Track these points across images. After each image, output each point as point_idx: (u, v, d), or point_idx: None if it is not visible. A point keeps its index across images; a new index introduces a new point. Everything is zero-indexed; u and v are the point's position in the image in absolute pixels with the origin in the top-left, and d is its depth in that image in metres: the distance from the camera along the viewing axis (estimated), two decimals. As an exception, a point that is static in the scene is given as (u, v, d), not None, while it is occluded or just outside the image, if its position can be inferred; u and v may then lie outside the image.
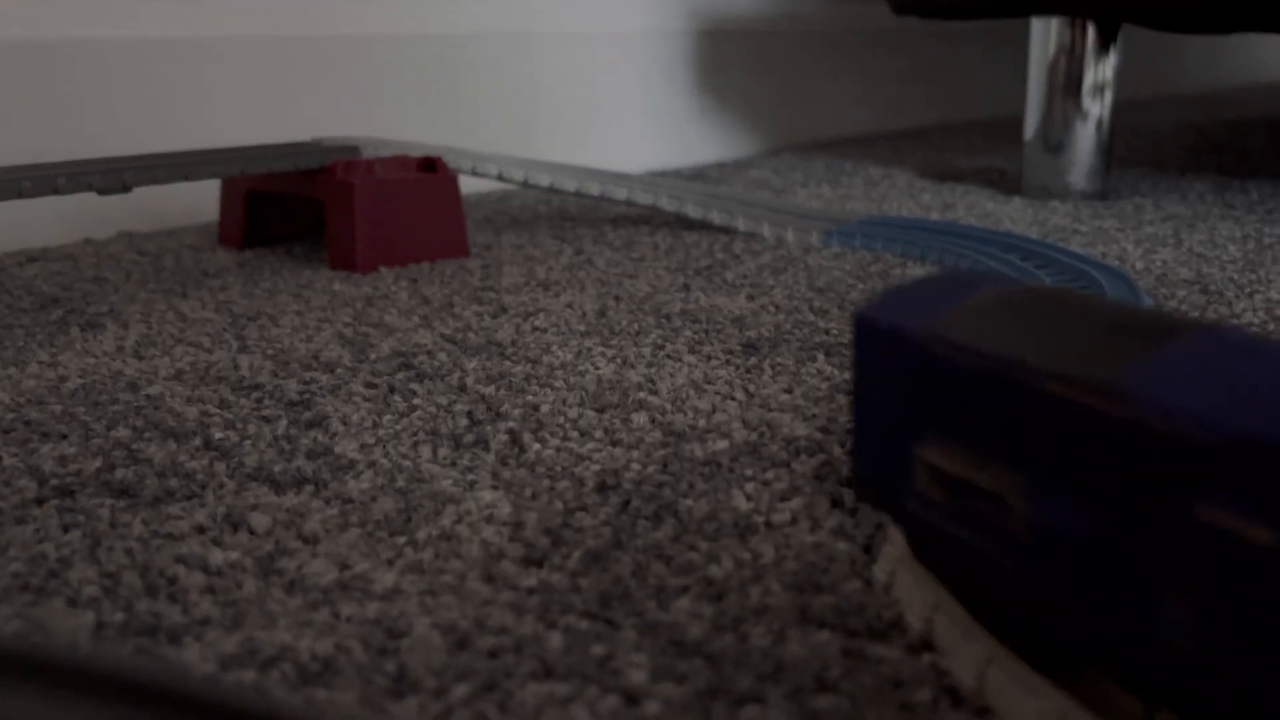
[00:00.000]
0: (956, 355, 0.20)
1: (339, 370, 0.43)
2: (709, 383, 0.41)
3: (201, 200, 0.74)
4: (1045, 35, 0.81)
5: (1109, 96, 0.82)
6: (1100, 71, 0.81)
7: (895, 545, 0.26)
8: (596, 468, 0.34)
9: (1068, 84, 0.81)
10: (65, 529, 0.30)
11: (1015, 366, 0.18)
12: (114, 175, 0.52)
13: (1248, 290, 0.54)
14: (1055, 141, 0.82)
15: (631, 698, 0.22)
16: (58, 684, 0.14)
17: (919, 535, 0.24)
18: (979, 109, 1.45)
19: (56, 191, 0.50)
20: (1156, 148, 1.11)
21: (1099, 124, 0.82)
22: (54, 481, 0.33)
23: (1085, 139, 0.81)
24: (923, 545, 0.24)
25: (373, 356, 0.45)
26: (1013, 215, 0.76)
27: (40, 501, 0.32)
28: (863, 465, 0.24)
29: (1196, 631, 0.16)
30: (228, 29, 0.76)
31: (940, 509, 0.21)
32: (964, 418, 0.20)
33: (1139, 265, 0.60)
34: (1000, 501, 0.19)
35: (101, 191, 0.51)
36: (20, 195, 0.48)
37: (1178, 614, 0.16)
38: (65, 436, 0.37)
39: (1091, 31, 0.80)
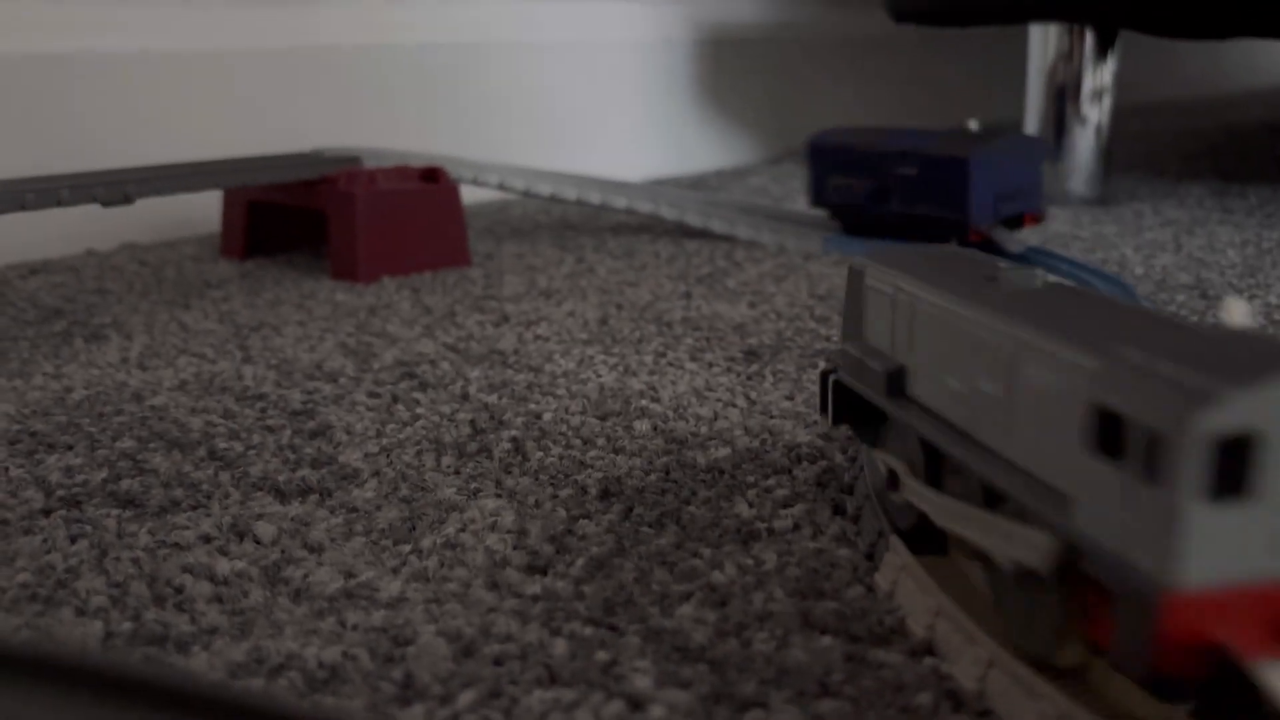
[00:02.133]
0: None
1: (342, 380, 0.43)
2: (711, 390, 0.41)
3: (203, 211, 0.74)
4: (1044, 41, 0.82)
5: (1108, 102, 0.82)
6: (1099, 77, 0.81)
7: (898, 552, 0.26)
8: (599, 475, 0.34)
9: (1066, 90, 0.81)
10: (72, 539, 0.30)
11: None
12: (117, 187, 0.52)
13: (1247, 294, 0.54)
14: (1054, 148, 0.82)
15: (636, 703, 0.23)
16: (64, 685, 0.15)
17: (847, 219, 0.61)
18: (978, 114, 1.45)
19: (60, 203, 0.50)
20: (1155, 153, 1.12)
21: (1098, 129, 0.82)
22: (60, 492, 0.33)
23: (1084, 145, 0.82)
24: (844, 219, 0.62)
25: (376, 366, 0.45)
26: (1012, 221, 0.76)
27: (47, 512, 0.32)
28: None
29: None
30: (229, 41, 0.76)
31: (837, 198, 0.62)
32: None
33: (1139, 270, 0.60)
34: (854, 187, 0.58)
35: (105, 203, 0.52)
36: (24, 207, 0.49)
37: None
38: (71, 447, 0.37)
39: (1090, 38, 0.80)
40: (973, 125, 0.65)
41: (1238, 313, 0.23)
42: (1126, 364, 0.18)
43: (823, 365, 0.31)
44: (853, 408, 0.29)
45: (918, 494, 0.26)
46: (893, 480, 0.27)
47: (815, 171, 0.66)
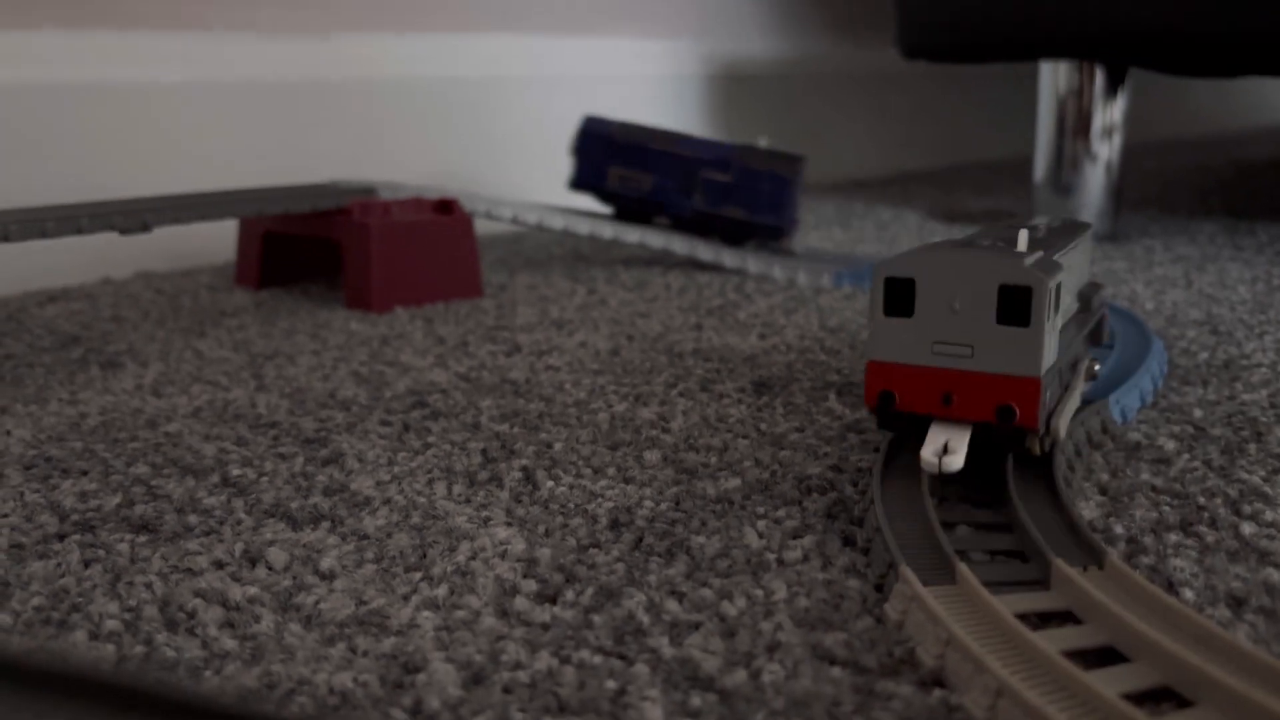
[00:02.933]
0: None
1: (355, 408, 0.43)
2: (721, 421, 0.42)
3: (219, 240, 0.75)
4: (1054, 78, 0.82)
5: (1118, 139, 0.82)
6: (1109, 114, 0.82)
7: (908, 583, 0.26)
8: (609, 504, 0.34)
9: (1077, 126, 0.82)
10: (86, 564, 0.31)
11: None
12: (135, 216, 0.53)
13: (1257, 330, 0.54)
14: (1065, 183, 0.82)
15: (645, 733, 0.23)
16: (65, 694, 0.15)
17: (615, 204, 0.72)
18: (988, 150, 1.46)
19: (80, 231, 0.50)
20: (1166, 189, 1.12)
21: (1108, 166, 0.82)
22: (75, 517, 0.33)
23: (1095, 181, 0.82)
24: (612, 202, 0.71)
25: (388, 395, 0.45)
26: (1022, 256, 0.76)
27: (62, 537, 0.32)
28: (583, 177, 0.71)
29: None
30: (247, 72, 0.77)
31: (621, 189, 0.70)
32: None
33: (1149, 306, 0.60)
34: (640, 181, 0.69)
35: (123, 231, 0.52)
36: (44, 235, 0.49)
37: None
38: (85, 473, 0.37)
39: (1100, 75, 0.81)
40: (762, 143, 0.72)
41: (1021, 240, 0.34)
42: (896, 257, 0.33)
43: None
44: None
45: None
46: None
47: (589, 158, 0.71)
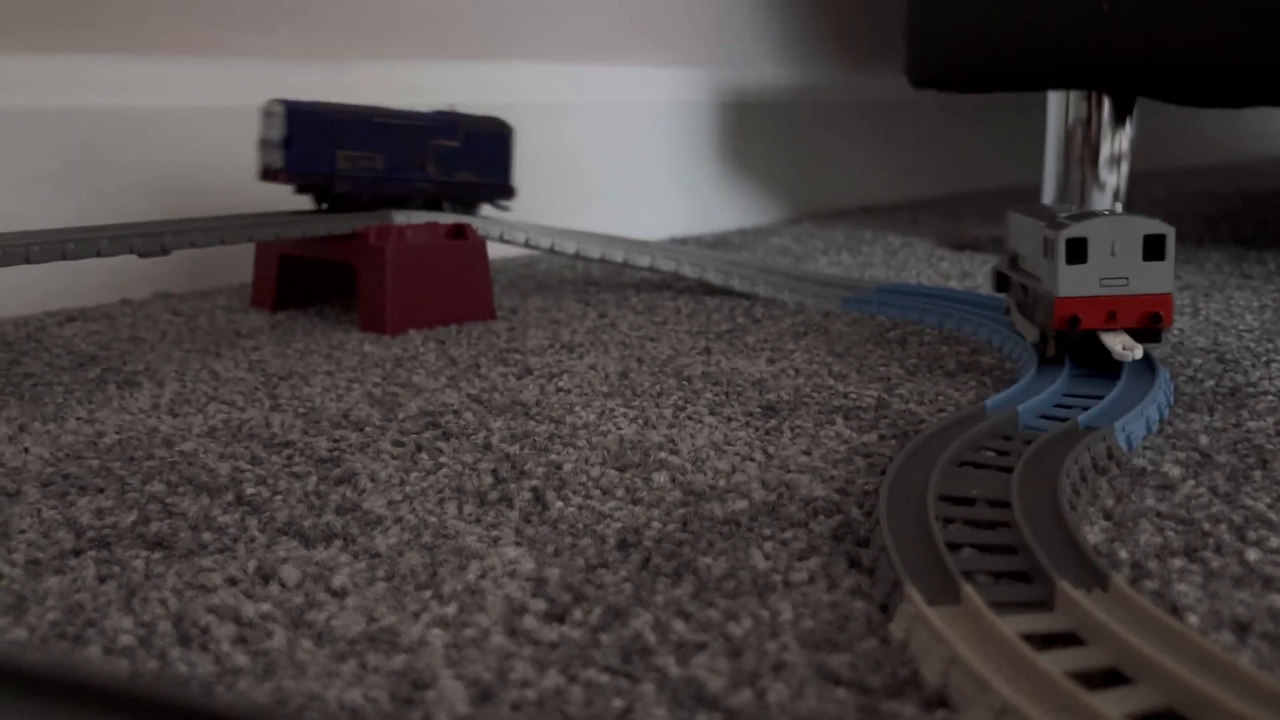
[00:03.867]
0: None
1: (368, 429, 0.44)
2: (729, 444, 0.42)
3: (236, 263, 0.76)
4: (1062, 108, 0.83)
5: (1125, 167, 0.83)
6: (1117, 143, 0.82)
7: (913, 602, 0.27)
8: (618, 525, 0.34)
9: (1084, 155, 0.82)
10: (101, 580, 0.31)
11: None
12: (154, 239, 0.54)
13: (1264, 359, 0.54)
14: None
15: (651, 750, 0.23)
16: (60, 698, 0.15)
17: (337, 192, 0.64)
18: (996, 179, 1.47)
19: (99, 254, 0.51)
20: (1173, 218, 1.12)
21: (1116, 195, 0.83)
22: (91, 534, 0.34)
23: (1102, 209, 0.83)
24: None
25: (401, 416, 0.46)
26: (1031, 283, 0.76)
27: (78, 553, 0.33)
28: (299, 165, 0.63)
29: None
30: (262, 97, 0.78)
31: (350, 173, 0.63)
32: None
33: (1156, 333, 0.60)
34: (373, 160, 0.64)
35: (142, 254, 0.53)
36: (64, 257, 0.50)
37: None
38: (102, 490, 0.38)
39: (1107, 104, 0.82)
40: (451, 107, 0.71)
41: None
42: (1054, 225, 0.47)
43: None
44: (1000, 281, 0.57)
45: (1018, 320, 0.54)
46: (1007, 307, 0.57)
47: (305, 144, 0.63)
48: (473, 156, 0.69)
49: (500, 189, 0.71)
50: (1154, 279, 0.47)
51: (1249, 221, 1.09)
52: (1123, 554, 0.32)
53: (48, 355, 0.56)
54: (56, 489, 0.38)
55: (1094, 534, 0.34)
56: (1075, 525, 0.32)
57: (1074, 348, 0.48)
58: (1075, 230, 0.46)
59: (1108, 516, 0.35)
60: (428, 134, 0.67)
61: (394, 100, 0.87)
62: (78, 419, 0.45)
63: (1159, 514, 0.35)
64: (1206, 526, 0.34)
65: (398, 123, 0.66)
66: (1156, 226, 0.47)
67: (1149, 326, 0.46)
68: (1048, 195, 0.84)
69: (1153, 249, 0.47)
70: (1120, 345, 0.46)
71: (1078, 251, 0.46)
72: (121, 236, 0.52)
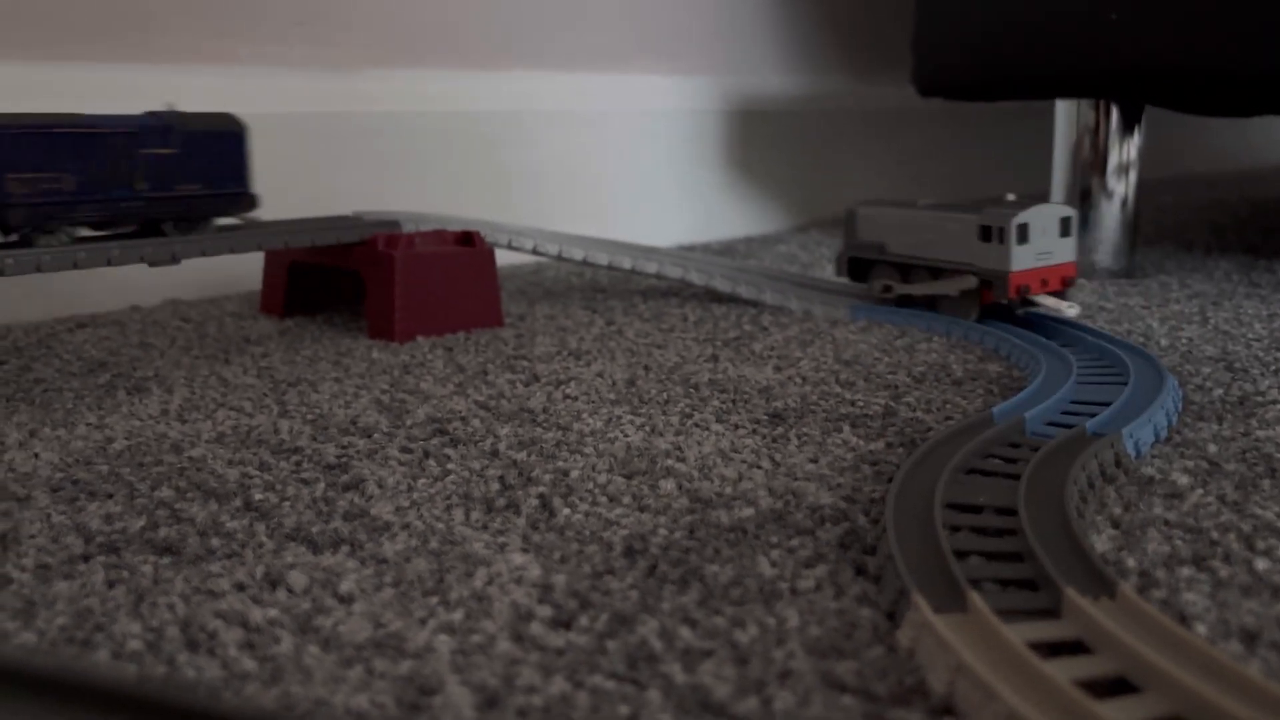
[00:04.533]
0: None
1: (376, 435, 0.44)
2: (736, 451, 0.42)
3: (245, 270, 0.76)
4: (1070, 116, 0.83)
5: (1133, 176, 0.83)
6: (1124, 152, 0.82)
7: (919, 609, 0.27)
8: (624, 532, 0.34)
9: (1092, 163, 0.82)
10: (110, 584, 0.31)
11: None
12: (164, 247, 0.54)
13: (1273, 368, 0.54)
14: (1081, 219, 0.83)
15: (657, 756, 0.23)
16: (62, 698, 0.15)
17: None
18: (1003, 187, 1.47)
19: (110, 262, 0.52)
20: (1182, 226, 1.12)
21: (1124, 203, 0.83)
22: (100, 539, 0.34)
23: (1110, 217, 0.82)
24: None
25: (409, 422, 0.46)
26: (1039, 291, 0.76)
27: (87, 558, 0.33)
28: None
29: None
30: (272, 106, 0.79)
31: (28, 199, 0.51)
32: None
33: (1164, 342, 0.60)
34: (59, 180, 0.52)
35: (152, 263, 0.53)
36: (76, 266, 0.50)
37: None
38: (111, 496, 0.38)
39: (1115, 113, 0.82)
40: (170, 106, 0.59)
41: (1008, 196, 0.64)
42: (993, 215, 0.60)
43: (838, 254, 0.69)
44: (855, 267, 0.69)
45: (905, 287, 0.66)
46: (887, 288, 0.67)
47: None
48: (196, 165, 0.58)
49: (236, 199, 0.59)
50: (1067, 251, 0.61)
51: (1257, 230, 1.08)
52: (1130, 562, 0.32)
53: (58, 361, 0.57)
54: (66, 494, 0.38)
55: (1102, 542, 0.34)
56: (1083, 533, 0.32)
57: (988, 310, 0.62)
58: (1021, 218, 0.59)
59: (1116, 525, 0.35)
60: (133, 142, 0.55)
61: (407, 108, 0.87)
62: (88, 425, 0.46)
63: (1167, 522, 0.35)
64: (1215, 535, 0.34)
65: (90, 132, 0.54)
66: (1066, 210, 0.61)
67: (1064, 288, 0.61)
68: (1056, 199, 0.84)
69: (1065, 228, 0.61)
70: (1063, 305, 0.60)
71: (1023, 235, 0.59)
72: (132, 246, 0.53)
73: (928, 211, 0.64)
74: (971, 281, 0.61)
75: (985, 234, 0.60)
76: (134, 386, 0.52)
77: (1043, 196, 0.67)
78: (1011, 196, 0.67)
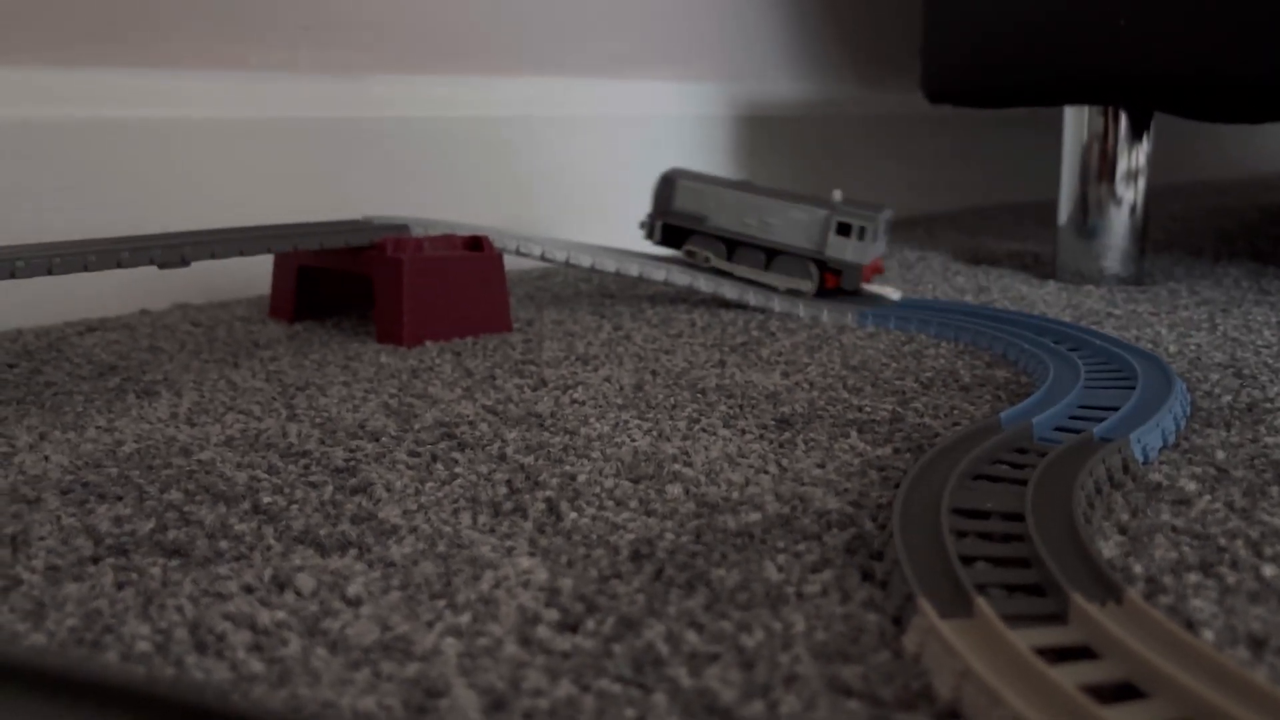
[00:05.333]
0: None
1: (384, 439, 0.44)
2: (743, 456, 0.42)
3: (254, 274, 0.76)
4: (1079, 123, 0.83)
5: (1142, 182, 0.83)
6: (1134, 158, 0.82)
7: (925, 614, 0.27)
8: (631, 536, 0.34)
9: (1101, 170, 0.82)
10: (119, 586, 0.31)
11: None
12: (174, 250, 0.54)
13: (1283, 374, 0.54)
14: (1089, 227, 0.83)
15: (663, 759, 0.23)
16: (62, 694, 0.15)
17: None
18: (1012, 193, 1.47)
19: (120, 265, 0.52)
20: (1191, 232, 1.12)
21: (1133, 209, 0.82)
22: (109, 541, 0.34)
23: (1119, 224, 0.82)
24: None
25: (417, 426, 0.46)
26: (1047, 299, 0.76)
27: (96, 560, 0.33)
28: None
29: None
30: (282, 111, 0.79)
31: None
32: None
33: (1173, 349, 0.60)
34: None
35: (162, 265, 0.54)
36: (86, 268, 0.51)
37: None
38: (120, 498, 0.38)
39: (1124, 119, 0.82)
40: None
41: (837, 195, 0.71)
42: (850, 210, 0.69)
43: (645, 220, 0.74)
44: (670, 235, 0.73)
45: (726, 267, 0.72)
46: (706, 259, 0.72)
47: None
48: None
49: None
50: (882, 246, 0.72)
51: (1267, 237, 1.08)
52: (1138, 569, 0.32)
53: (68, 365, 0.57)
54: (76, 497, 0.38)
55: (1109, 548, 0.34)
56: (1090, 538, 0.32)
57: (822, 290, 0.70)
58: (875, 217, 0.69)
59: (1123, 531, 0.35)
60: None
61: (415, 113, 0.87)
62: (97, 428, 0.46)
63: (1174, 529, 0.35)
64: (1223, 542, 0.34)
65: None
66: (889, 212, 0.71)
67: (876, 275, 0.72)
68: (1063, 210, 0.84)
69: (888, 228, 0.71)
70: (889, 290, 0.71)
71: (875, 233, 0.69)
72: (142, 248, 0.53)
73: (767, 197, 0.70)
74: (809, 282, 0.70)
75: (844, 229, 0.69)
76: (143, 390, 0.52)
77: (867, 199, 0.73)
78: (838, 194, 0.71)
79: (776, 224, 0.70)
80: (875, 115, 1.25)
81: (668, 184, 0.73)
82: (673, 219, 0.72)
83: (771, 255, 0.70)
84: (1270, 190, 1.61)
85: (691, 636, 0.28)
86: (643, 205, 1.04)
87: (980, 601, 0.27)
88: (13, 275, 0.48)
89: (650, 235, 0.74)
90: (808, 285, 0.70)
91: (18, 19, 0.68)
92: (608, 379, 0.54)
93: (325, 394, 0.51)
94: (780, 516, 0.36)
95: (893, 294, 0.70)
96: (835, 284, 0.70)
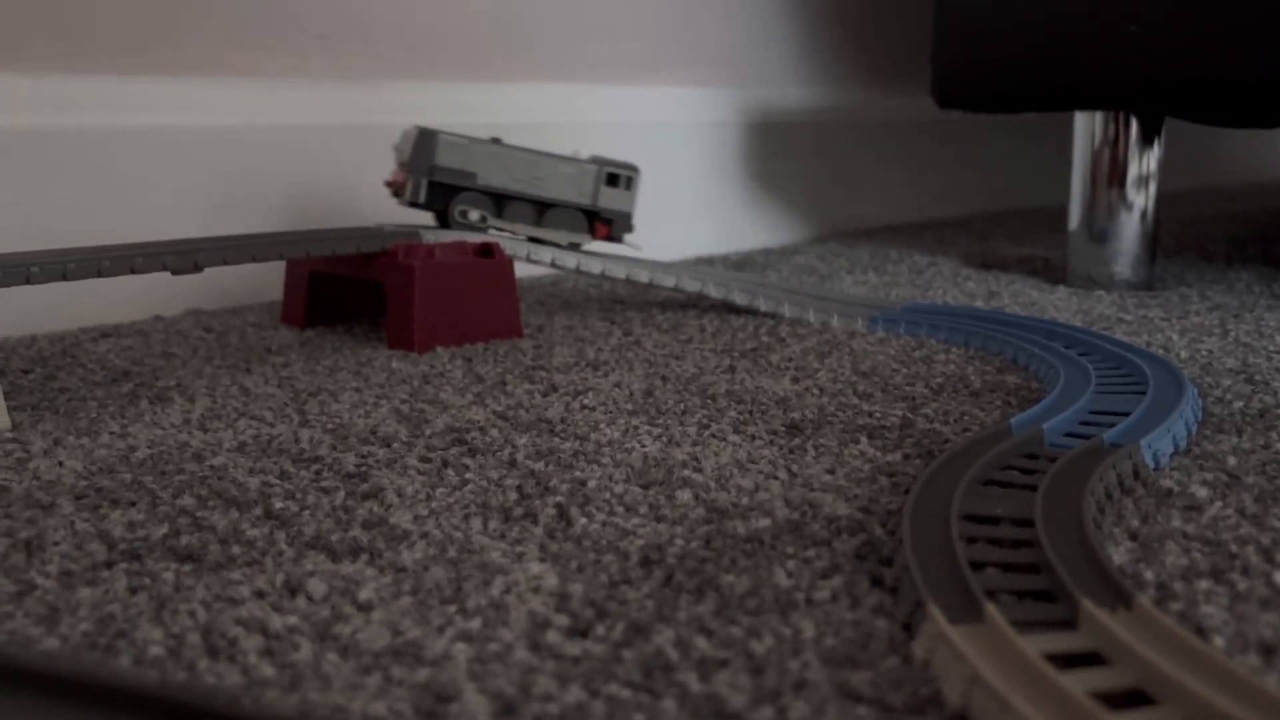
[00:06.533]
0: None
1: (395, 445, 0.44)
2: (752, 462, 0.42)
3: (266, 280, 0.77)
4: (1089, 128, 0.83)
5: (1153, 188, 0.83)
6: (1144, 163, 0.82)
7: (935, 620, 0.27)
8: (641, 542, 0.35)
9: (1112, 175, 0.82)
10: (132, 591, 0.32)
11: None
12: (187, 256, 0.55)
13: (1295, 380, 0.54)
14: (1100, 231, 0.82)
15: (672, 765, 0.23)
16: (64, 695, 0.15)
17: None
18: (1023, 198, 1.46)
19: (134, 270, 0.52)
20: (1202, 237, 1.12)
21: (1143, 215, 0.82)
22: (122, 546, 0.35)
23: (1130, 229, 0.82)
24: None
25: (428, 432, 0.46)
26: (1058, 304, 0.76)
27: (109, 565, 0.33)
28: None
29: None
30: (296, 118, 0.80)
31: None
32: None
33: (1184, 354, 0.60)
34: None
35: (175, 271, 0.54)
36: (100, 274, 0.51)
37: None
38: (134, 504, 0.38)
39: (1135, 125, 0.81)
40: None
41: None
42: (615, 162, 0.73)
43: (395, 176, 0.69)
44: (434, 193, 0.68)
45: (498, 224, 0.69)
46: (482, 218, 0.69)
47: None
48: None
49: None
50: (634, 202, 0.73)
51: (1278, 242, 1.08)
52: (1148, 575, 0.32)
53: (82, 370, 0.57)
54: (89, 502, 0.38)
55: (1119, 555, 0.33)
56: (1100, 544, 0.32)
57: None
58: (636, 169, 0.72)
59: (1133, 537, 0.35)
60: None
61: (428, 120, 0.88)
62: (111, 433, 0.46)
63: (1185, 535, 0.35)
64: (1234, 548, 0.34)
65: None
66: (639, 172, 0.73)
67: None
68: (1074, 215, 0.84)
69: (637, 185, 0.74)
70: (637, 246, 0.74)
71: (636, 185, 0.72)
72: (155, 254, 0.53)
73: (532, 153, 0.70)
74: (586, 235, 0.71)
75: (613, 180, 0.71)
76: (156, 396, 0.52)
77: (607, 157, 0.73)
78: (583, 153, 0.72)
79: (547, 178, 0.70)
80: (885, 121, 1.25)
81: (428, 139, 0.67)
82: (440, 176, 0.68)
83: (543, 210, 0.70)
84: (1283, 195, 1.60)
85: (701, 642, 0.28)
86: (656, 211, 1.04)
87: (990, 607, 0.27)
88: (28, 281, 0.48)
89: (411, 195, 0.68)
90: (585, 237, 0.71)
91: (37, 28, 0.69)
92: (618, 385, 0.54)
93: (337, 400, 0.51)
94: (790, 522, 0.36)
95: (637, 249, 0.74)
96: (606, 234, 0.71)
